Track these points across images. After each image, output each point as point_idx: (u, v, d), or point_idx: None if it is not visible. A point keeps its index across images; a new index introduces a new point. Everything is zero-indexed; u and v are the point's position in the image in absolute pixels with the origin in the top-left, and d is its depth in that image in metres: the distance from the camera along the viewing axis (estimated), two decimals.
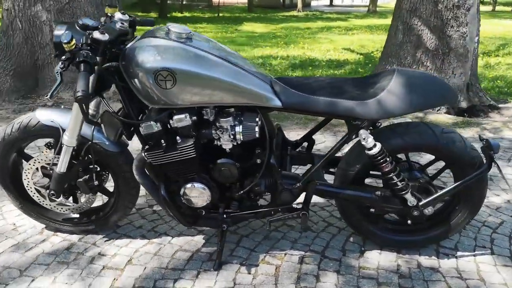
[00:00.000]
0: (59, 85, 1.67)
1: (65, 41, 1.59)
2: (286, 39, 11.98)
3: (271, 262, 2.09)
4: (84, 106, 1.53)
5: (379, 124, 2.07)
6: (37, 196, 2.14)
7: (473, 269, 2.05)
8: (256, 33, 13.64)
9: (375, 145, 1.84)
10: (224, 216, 2.00)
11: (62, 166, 1.96)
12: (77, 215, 2.25)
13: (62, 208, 2.19)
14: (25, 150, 2.21)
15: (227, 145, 1.86)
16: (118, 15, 1.86)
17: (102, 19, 1.88)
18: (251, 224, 2.37)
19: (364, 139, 1.84)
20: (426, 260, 2.11)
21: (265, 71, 1.96)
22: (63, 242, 2.21)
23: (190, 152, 1.80)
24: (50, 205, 2.17)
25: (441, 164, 2.03)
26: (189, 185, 1.90)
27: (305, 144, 2.23)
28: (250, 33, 13.62)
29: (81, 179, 2.01)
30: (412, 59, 4.84)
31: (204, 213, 2.00)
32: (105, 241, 2.22)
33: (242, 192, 1.96)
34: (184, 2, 22.28)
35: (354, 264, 2.09)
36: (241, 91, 1.76)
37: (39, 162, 2.06)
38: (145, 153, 1.84)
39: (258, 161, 1.90)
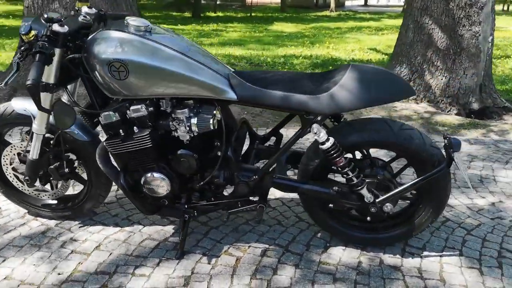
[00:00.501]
0: (15, 74, 1.74)
1: (23, 32, 1.67)
2: (313, 38, 11.92)
3: (233, 253, 2.11)
4: (35, 94, 1.60)
5: (344, 118, 2.06)
6: (16, 182, 2.25)
7: (436, 270, 2.00)
8: (284, 32, 13.63)
9: (328, 140, 1.83)
10: (186, 206, 2.04)
11: (34, 153, 2.05)
12: (54, 201, 2.34)
13: (39, 194, 2.29)
14: (7, 138, 2.32)
15: (184, 137, 1.89)
16: (84, 8, 1.92)
17: (72, 13, 1.96)
18: (222, 217, 2.40)
19: (316, 133, 1.84)
20: (390, 259, 2.08)
21: (226, 65, 1.98)
22: (40, 226, 2.31)
23: (146, 142, 1.85)
24: (28, 190, 2.27)
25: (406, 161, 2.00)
26: (148, 175, 1.94)
27: (273, 138, 2.24)
28: (279, 32, 13.63)
29: (52, 166, 2.09)
30: (423, 59, 4.73)
31: (167, 203, 2.04)
32: (79, 227, 2.30)
33: (201, 183, 1.99)
34: (218, 2, 22.52)
35: (315, 259, 2.08)
36: (195, 83, 1.79)
37: (15, 148, 2.16)
38: (105, 142, 1.90)
39: (216, 153, 1.93)
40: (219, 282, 1.91)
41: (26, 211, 2.41)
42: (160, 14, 19.02)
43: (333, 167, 1.95)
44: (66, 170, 2.12)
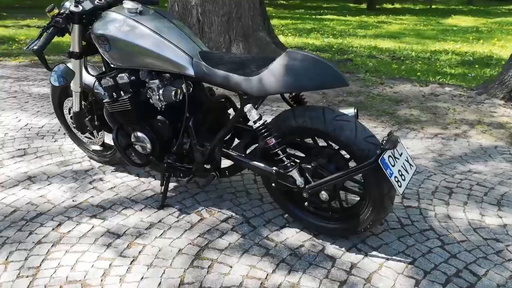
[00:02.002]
0: (35, 41, 2.23)
1: (47, 10, 2.17)
2: (484, 34, 10.66)
3: (202, 214, 2.35)
4: (40, 57, 2.09)
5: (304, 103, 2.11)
6: (74, 129, 2.86)
7: (370, 270, 1.92)
8: (456, 26, 12.46)
9: (259, 119, 1.91)
10: (165, 165, 2.34)
11: (75, 106, 2.59)
12: (99, 148, 2.89)
13: (89, 140, 2.86)
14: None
15: (157, 105, 2.18)
16: None
17: None
18: (215, 182, 2.64)
19: (248, 112, 1.93)
20: (333, 249, 2.06)
21: (202, 45, 2.18)
22: (88, 165, 2.90)
23: (126, 105, 2.20)
24: (81, 136, 2.86)
25: None
26: (134, 133, 2.30)
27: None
28: (450, 26, 12.51)
29: (87, 118, 2.62)
30: None
31: (154, 159, 2.37)
32: (111, 171, 2.82)
33: (174, 148, 2.26)
34: None
35: (264, 234, 2.18)
36: (161, 59, 2.06)
37: (70, 101, 2.76)
38: (104, 102, 2.31)
39: (179, 122, 2.18)
40: (172, 232, 2.19)
41: (85, 154, 3.03)
42: (337, 5, 19.16)
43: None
44: (97, 123, 2.62)
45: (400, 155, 1.85)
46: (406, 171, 1.84)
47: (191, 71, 2.05)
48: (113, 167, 2.87)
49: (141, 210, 2.39)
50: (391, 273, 1.90)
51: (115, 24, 2.10)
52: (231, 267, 1.95)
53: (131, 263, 1.98)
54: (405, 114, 4.01)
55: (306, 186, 1.93)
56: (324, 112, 1.87)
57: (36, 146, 3.21)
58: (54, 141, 3.30)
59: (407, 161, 1.87)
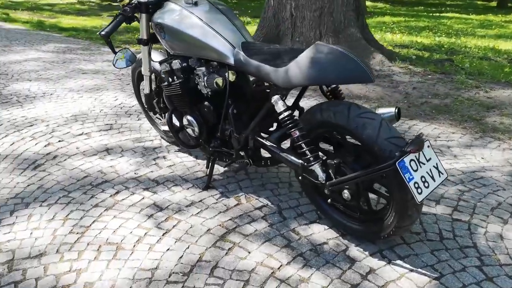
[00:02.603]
0: (107, 26, 2.43)
1: (119, 0, 2.39)
2: None
3: (241, 200, 2.41)
4: (107, 41, 2.31)
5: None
6: (146, 109, 3.11)
7: (389, 278, 1.81)
8: None
9: (285, 111, 1.90)
10: (211, 149, 2.44)
11: (146, 88, 2.81)
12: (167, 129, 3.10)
13: (158, 121, 3.09)
14: None
15: (203, 91, 2.28)
16: None
17: None
18: (264, 174, 2.68)
19: (274, 103, 1.93)
20: (356, 251, 1.98)
21: (249, 37, 2.22)
22: (156, 144, 3.13)
23: (178, 90, 2.34)
24: (153, 117, 3.10)
25: None
26: (185, 117, 2.44)
27: (296, 112, 2.34)
28: None
29: (155, 100, 2.83)
30: None
31: (203, 143, 2.48)
32: (175, 151, 3.01)
33: (218, 132, 2.35)
34: None
35: (292, 226, 2.17)
36: (207, 47, 2.15)
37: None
38: (162, 86, 2.48)
39: (223, 109, 2.25)
40: (207, 212, 2.29)
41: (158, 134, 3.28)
42: (462, 3, 17.63)
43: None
44: (162, 105, 2.81)
45: (428, 160, 1.71)
46: (433, 178, 1.69)
47: (231, 60, 2.12)
48: (178, 148, 3.06)
49: (188, 188, 2.54)
50: (410, 285, 1.78)
51: (171, 14, 2.25)
52: (249, 252, 1.99)
53: (163, 235, 2.12)
54: (494, 122, 3.62)
55: (327, 183, 1.89)
56: (349, 108, 1.80)
57: (121, 122, 3.55)
58: (138, 120, 3.61)
59: (436, 168, 1.72)
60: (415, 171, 1.65)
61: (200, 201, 2.41)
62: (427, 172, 1.68)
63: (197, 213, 2.30)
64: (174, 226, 2.19)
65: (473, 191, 2.50)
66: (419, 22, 11.68)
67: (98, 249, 2.02)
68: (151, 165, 2.82)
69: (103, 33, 2.28)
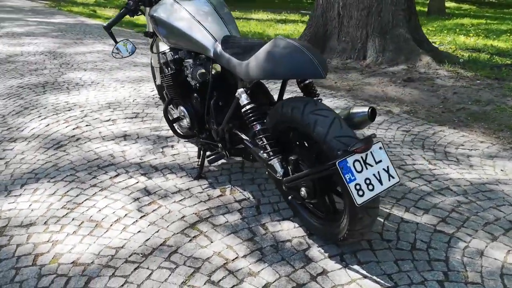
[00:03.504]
0: (111, 20, 2.56)
1: None
2: None
3: (225, 192, 2.43)
4: (108, 32, 2.44)
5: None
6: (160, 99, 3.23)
7: (337, 282, 1.74)
8: None
9: (248, 103, 1.89)
10: (201, 140, 2.49)
11: (157, 80, 2.93)
12: None
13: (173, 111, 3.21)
14: None
15: (192, 82, 2.33)
16: None
17: None
18: (259, 169, 2.67)
19: (239, 96, 1.92)
20: (316, 252, 1.92)
21: (233, 31, 2.23)
22: (169, 132, 3.25)
23: (169, 81, 2.41)
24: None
25: None
26: (179, 107, 2.51)
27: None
28: None
29: (164, 91, 2.93)
30: None
31: (197, 133, 2.54)
32: (184, 141, 3.11)
33: (206, 124, 2.38)
34: None
35: (263, 220, 2.15)
36: (191, 40, 2.20)
37: None
38: (160, 77, 2.57)
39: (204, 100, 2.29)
40: (189, 200, 2.35)
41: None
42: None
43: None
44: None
45: (377, 162, 1.61)
46: (380, 181, 1.60)
47: (211, 53, 2.14)
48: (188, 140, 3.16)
49: (181, 177, 2.61)
50: None
51: (163, 6, 2.33)
52: (211, 242, 2.01)
53: (140, 218, 2.21)
54: None
55: (284, 179, 1.85)
56: (306, 104, 1.75)
57: (147, 112, 3.73)
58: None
59: (387, 171, 1.62)
60: (359, 172, 1.57)
61: (187, 189, 2.47)
62: (374, 174, 1.59)
63: (180, 200, 2.36)
64: (153, 211, 2.27)
65: (473, 203, 2.30)
66: (502, 25, 10.78)
67: (79, 225, 2.17)
68: (157, 153, 2.94)
69: (105, 25, 2.42)
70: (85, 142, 3.12)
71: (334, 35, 5.46)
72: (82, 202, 2.36)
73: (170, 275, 1.82)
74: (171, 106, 2.76)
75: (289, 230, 2.08)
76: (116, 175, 2.64)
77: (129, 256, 1.94)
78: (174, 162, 2.80)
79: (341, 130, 1.65)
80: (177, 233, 2.08)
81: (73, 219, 2.22)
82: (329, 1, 5.39)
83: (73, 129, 3.37)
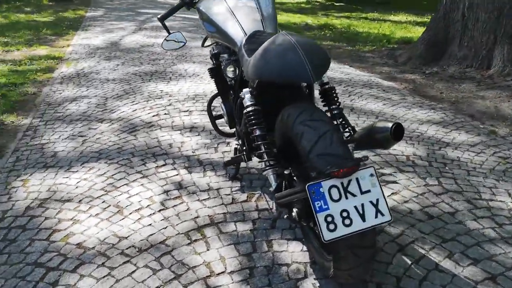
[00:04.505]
0: (165, 12, 2.49)
1: None
2: None
3: (250, 198, 2.23)
4: (162, 24, 2.39)
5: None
6: None
7: None
8: None
9: (250, 106, 1.64)
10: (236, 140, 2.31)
11: None
12: None
13: None
14: None
15: (227, 78, 2.16)
16: None
17: None
18: None
19: (243, 96, 1.68)
20: (309, 285, 1.61)
21: (268, 27, 1.98)
22: None
23: (211, 76, 2.27)
24: None
25: None
26: (220, 103, 2.36)
27: None
28: None
29: None
30: None
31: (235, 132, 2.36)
32: None
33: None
34: None
35: (271, 237, 1.90)
36: (224, 34, 2.03)
37: None
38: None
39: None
40: (212, 201, 2.21)
41: None
42: None
43: None
44: None
45: (363, 193, 1.25)
46: (362, 217, 1.23)
47: (237, 47, 1.95)
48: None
49: (218, 175, 2.48)
50: None
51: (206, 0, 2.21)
52: (208, 249, 1.85)
53: (159, 211, 2.15)
54: None
55: (276, 194, 1.58)
56: (302, 112, 1.45)
57: (203, 108, 3.64)
58: None
59: (375, 206, 1.24)
60: (335, 201, 1.24)
61: (217, 189, 2.33)
62: (355, 207, 1.24)
63: (204, 199, 2.24)
64: (174, 206, 2.19)
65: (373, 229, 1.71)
66: None
67: (105, 208, 2.19)
68: (211, 148, 2.85)
69: (158, 16, 2.40)
70: (155, 130, 3.20)
71: (455, 40, 4.72)
72: (120, 187, 2.40)
73: (149, 276, 1.71)
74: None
75: (293, 253, 1.80)
76: (163, 165, 2.63)
77: (127, 248, 1.88)
78: (221, 159, 2.68)
79: (330, 146, 1.33)
80: (181, 234, 1.96)
81: (103, 201, 2.26)
82: (454, 2, 4.67)
83: (153, 116, 3.48)
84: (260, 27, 2.01)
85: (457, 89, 4.13)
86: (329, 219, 1.23)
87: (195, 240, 1.91)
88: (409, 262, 1.72)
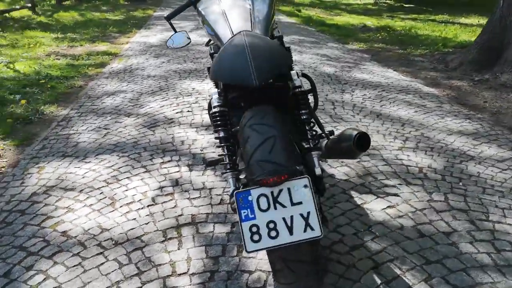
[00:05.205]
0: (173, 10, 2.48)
1: None
2: None
3: None
4: (169, 23, 2.40)
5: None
6: None
7: None
8: None
9: (216, 106, 1.58)
10: None
11: None
12: None
13: None
14: None
15: None
16: None
17: None
18: None
19: (210, 97, 1.62)
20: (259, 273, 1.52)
21: (256, 27, 1.88)
22: None
23: (208, 74, 2.24)
24: None
25: None
26: None
27: None
28: None
29: None
30: None
31: None
32: None
33: None
34: None
35: None
36: (214, 33, 1.97)
37: None
38: None
39: None
40: (201, 200, 2.18)
41: None
42: None
43: None
44: None
45: (294, 204, 1.15)
46: (290, 230, 1.13)
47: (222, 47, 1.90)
48: None
49: (216, 175, 2.45)
50: None
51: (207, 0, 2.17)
52: (178, 249, 1.83)
53: (148, 206, 2.16)
54: None
55: (231, 199, 1.51)
56: (254, 114, 1.37)
57: None
58: None
59: (305, 219, 1.13)
60: (263, 211, 1.15)
61: (210, 188, 2.30)
62: (284, 218, 1.14)
63: (194, 197, 2.22)
64: (163, 202, 2.19)
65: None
66: None
67: (100, 199, 2.25)
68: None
69: (165, 15, 2.41)
70: (174, 126, 3.23)
71: (510, 45, 4.29)
72: (121, 180, 2.45)
73: (114, 270, 1.72)
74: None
75: (261, 261, 1.72)
76: (168, 161, 2.65)
77: (104, 240, 1.91)
78: None
79: (269, 153, 1.24)
80: (159, 231, 1.96)
81: (101, 192, 2.32)
82: (511, 3, 4.25)
83: (176, 112, 3.53)
84: (248, 27, 1.94)
85: (504, 99, 3.75)
86: (254, 229, 1.15)
87: (170, 238, 1.90)
88: (379, 282, 1.57)
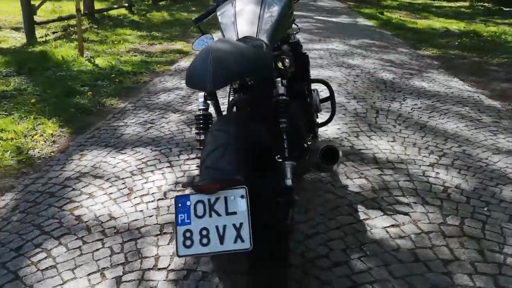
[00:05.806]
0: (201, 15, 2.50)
1: None
2: None
3: None
4: (196, 26, 2.45)
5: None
6: None
7: None
8: None
9: (201, 109, 1.59)
10: None
11: None
12: None
13: None
14: None
15: None
16: None
17: None
18: None
19: (198, 101, 1.62)
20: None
21: (260, 32, 1.84)
22: None
23: None
24: None
25: None
26: None
27: None
28: None
29: None
30: None
31: None
32: None
33: None
34: None
35: None
36: (223, 34, 1.99)
37: None
38: None
39: None
40: None
41: None
42: None
43: None
44: None
45: (229, 214, 1.12)
46: (221, 239, 1.10)
47: None
48: None
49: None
50: None
51: (225, 3, 2.18)
52: (168, 244, 1.87)
53: (158, 199, 2.25)
54: None
55: None
56: (220, 120, 1.37)
57: None
58: None
59: (237, 229, 1.09)
60: (198, 217, 1.13)
61: None
62: (216, 227, 1.12)
63: None
64: (172, 198, 2.26)
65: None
66: None
67: (120, 189, 2.39)
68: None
69: (193, 18, 2.47)
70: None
71: None
72: (145, 172, 2.57)
73: (105, 257, 1.82)
74: None
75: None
76: (193, 158, 2.72)
77: (108, 228, 2.02)
78: None
79: (218, 160, 1.23)
80: (158, 224, 2.02)
81: (123, 183, 2.45)
82: None
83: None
84: (252, 32, 1.92)
85: None
86: (188, 234, 1.14)
87: (164, 233, 1.95)
88: None
